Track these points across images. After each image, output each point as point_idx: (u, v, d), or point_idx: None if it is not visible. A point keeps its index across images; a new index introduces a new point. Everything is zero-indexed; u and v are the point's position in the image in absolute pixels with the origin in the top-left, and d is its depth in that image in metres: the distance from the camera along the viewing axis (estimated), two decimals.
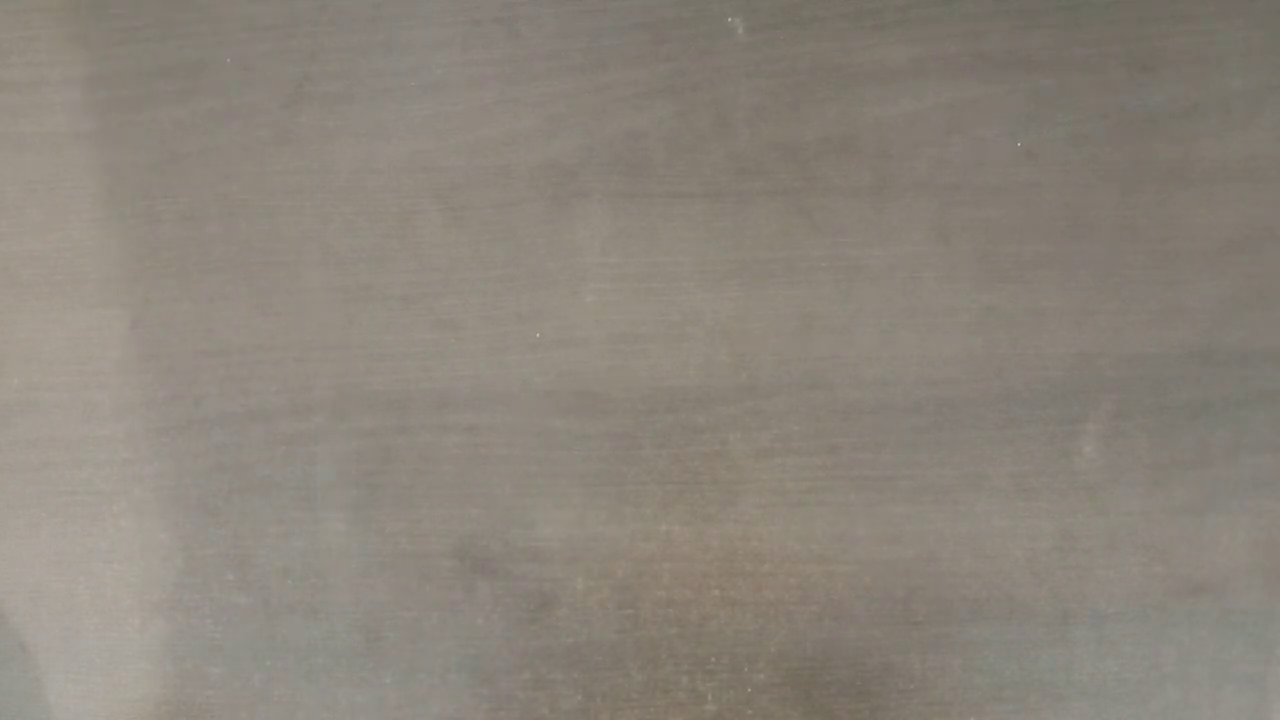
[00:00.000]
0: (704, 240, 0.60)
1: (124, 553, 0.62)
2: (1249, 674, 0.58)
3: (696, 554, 0.60)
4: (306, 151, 0.61)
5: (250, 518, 0.61)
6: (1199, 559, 0.58)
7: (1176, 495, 0.58)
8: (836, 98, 0.59)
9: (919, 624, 0.59)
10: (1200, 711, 0.58)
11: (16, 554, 0.62)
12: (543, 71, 0.60)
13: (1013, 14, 0.59)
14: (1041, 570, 0.59)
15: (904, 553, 0.59)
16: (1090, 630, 0.58)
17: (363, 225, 0.61)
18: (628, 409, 0.60)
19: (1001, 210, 0.59)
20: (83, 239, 0.62)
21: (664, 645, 0.60)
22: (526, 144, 0.60)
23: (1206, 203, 0.58)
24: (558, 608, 0.60)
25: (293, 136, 0.61)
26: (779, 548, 0.60)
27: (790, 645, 0.60)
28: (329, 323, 0.61)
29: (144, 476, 0.62)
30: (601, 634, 0.60)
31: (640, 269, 0.60)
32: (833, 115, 0.59)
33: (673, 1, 0.60)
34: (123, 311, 0.62)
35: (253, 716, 0.61)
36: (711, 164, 0.60)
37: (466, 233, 0.61)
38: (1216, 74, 0.58)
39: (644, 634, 0.60)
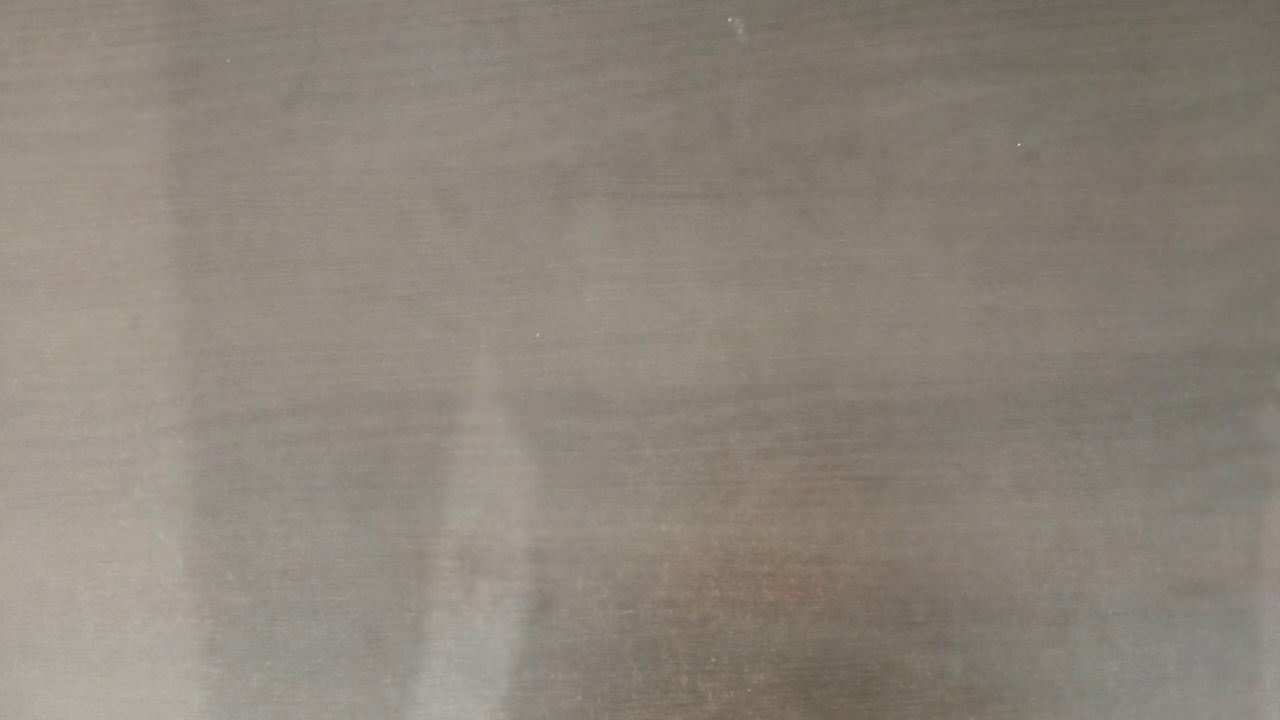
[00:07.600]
0: (704, 240, 0.60)
1: (124, 553, 0.62)
2: (1249, 674, 0.58)
3: (696, 554, 0.60)
4: (306, 151, 0.61)
5: (250, 518, 0.61)
6: (1199, 559, 0.58)
7: (1176, 495, 0.58)
8: (836, 98, 0.59)
9: (919, 624, 0.59)
10: (1200, 711, 0.58)
11: (16, 554, 0.62)
12: (543, 71, 0.60)
13: (1013, 14, 0.59)
14: (1041, 570, 0.59)
15: (904, 553, 0.59)
16: (1090, 630, 0.58)
17: (363, 225, 0.61)
18: (628, 409, 0.60)
19: (1001, 210, 0.59)
20: (83, 239, 0.62)
21: (664, 645, 0.60)
22: (526, 144, 0.60)
23: (1206, 203, 0.58)
24: (558, 608, 0.60)
25: (293, 136, 0.61)
26: (779, 548, 0.60)
27: (790, 645, 0.60)
28: (329, 323, 0.61)
29: (144, 476, 0.62)
30: (601, 634, 0.60)
31: (640, 269, 0.60)
32: (833, 115, 0.59)
33: (673, 1, 0.60)
34: (123, 311, 0.62)
35: (253, 716, 0.61)
36: (711, 164, 0.60)
37: (466, 233, 0.61)
38: (1216, 74, 0.58)
39: (644, 634, 0.60)
